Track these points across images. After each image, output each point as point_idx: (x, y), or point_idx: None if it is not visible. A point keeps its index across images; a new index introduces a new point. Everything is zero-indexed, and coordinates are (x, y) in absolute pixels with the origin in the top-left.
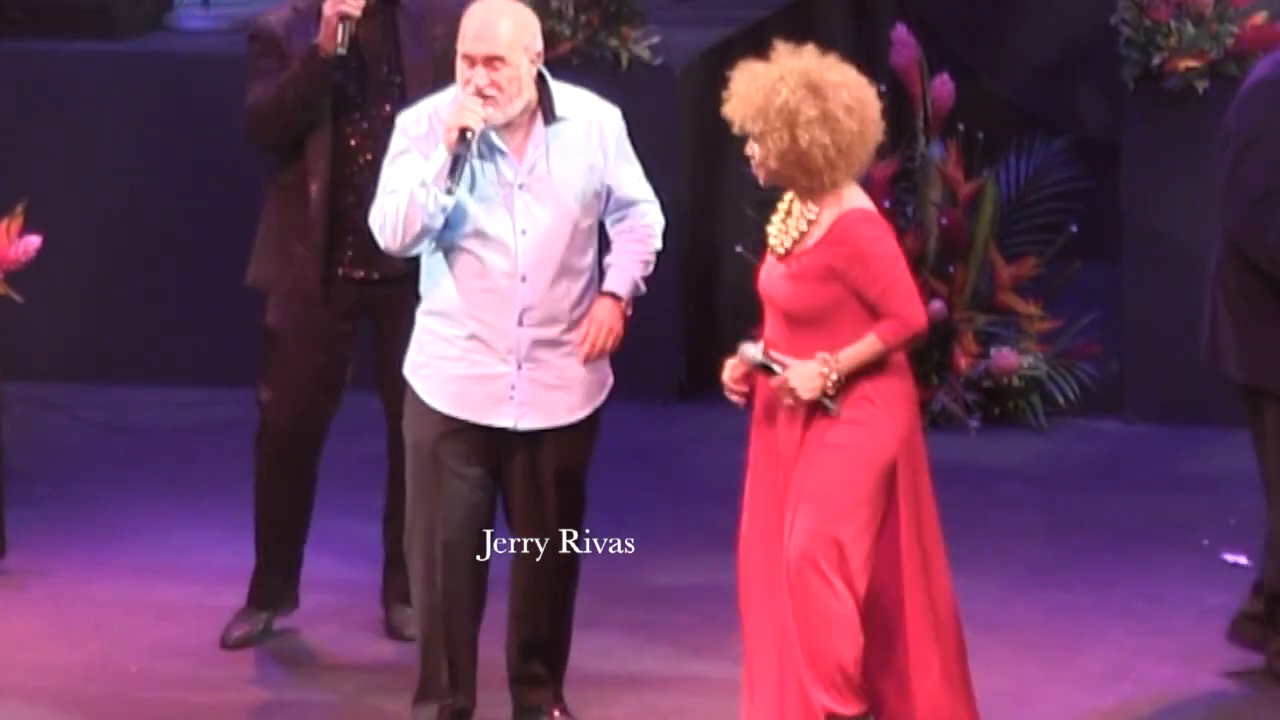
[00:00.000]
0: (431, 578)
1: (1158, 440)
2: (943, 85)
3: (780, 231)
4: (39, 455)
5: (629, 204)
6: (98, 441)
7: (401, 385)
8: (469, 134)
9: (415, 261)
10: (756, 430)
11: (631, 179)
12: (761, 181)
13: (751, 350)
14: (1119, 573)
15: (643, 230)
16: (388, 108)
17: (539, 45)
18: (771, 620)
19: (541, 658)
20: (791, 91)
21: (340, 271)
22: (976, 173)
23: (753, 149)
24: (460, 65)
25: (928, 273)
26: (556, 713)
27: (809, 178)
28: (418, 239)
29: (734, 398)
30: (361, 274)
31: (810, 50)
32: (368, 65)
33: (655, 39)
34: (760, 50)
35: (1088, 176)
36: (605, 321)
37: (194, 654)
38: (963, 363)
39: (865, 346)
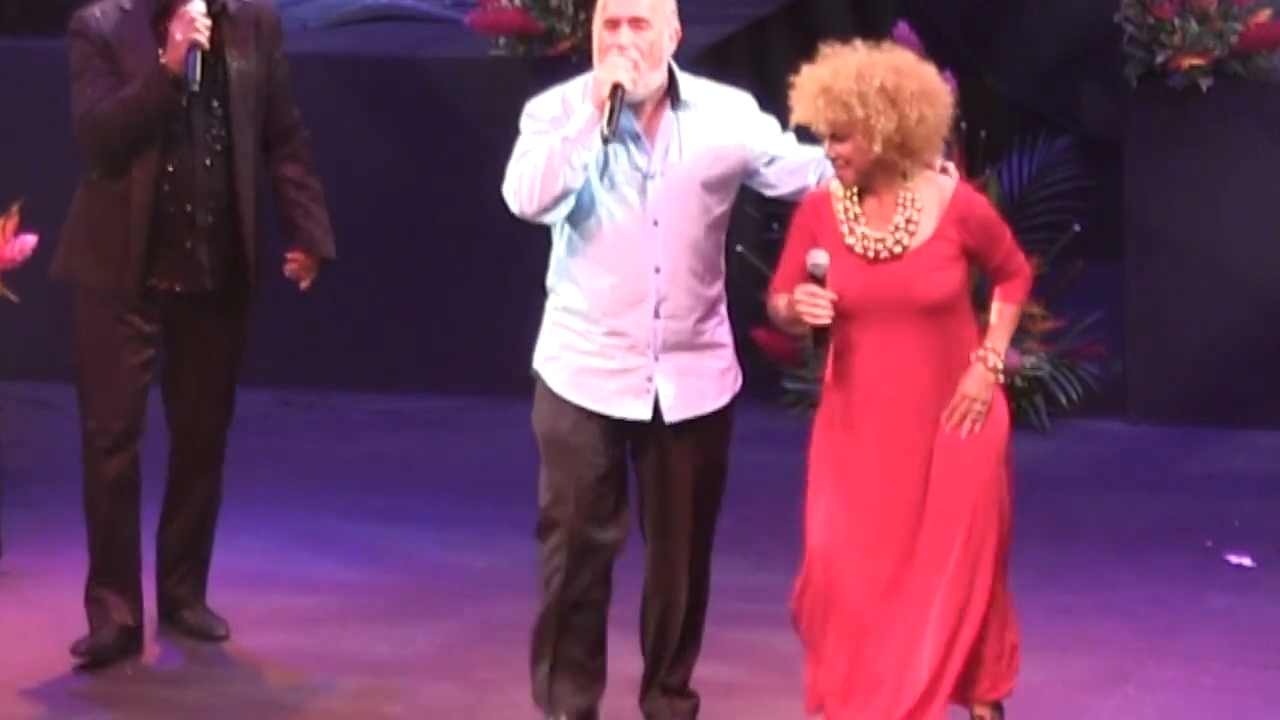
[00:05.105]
0: (562, 568)
1: (1161, 441)
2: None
3: (886, 235)
4: (36, 456)
5: (803, 166)
6: None
7: (188, 395)
8: (620, 90)
9: (219, 278)
10: (841, 433)
11: (790, 142)
12: (848, 183)
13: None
14: (1121, 574)
15: None
16: (209, 118)
17: (677, 23)
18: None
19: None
20: (883, 74)
21: (151, 281)
22: (979, 171)
23: (841, 147)
24: (601, 33)
25: None
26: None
27: (910, 158)
28: (556, 200)
29: (819, 310)
30: (166, 285)
31: (858, 44)
32: None
33: None
34: (760, 49)
35: (1090, 175)
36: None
37: (190, 654)
38: None
39: (1005, 319)
